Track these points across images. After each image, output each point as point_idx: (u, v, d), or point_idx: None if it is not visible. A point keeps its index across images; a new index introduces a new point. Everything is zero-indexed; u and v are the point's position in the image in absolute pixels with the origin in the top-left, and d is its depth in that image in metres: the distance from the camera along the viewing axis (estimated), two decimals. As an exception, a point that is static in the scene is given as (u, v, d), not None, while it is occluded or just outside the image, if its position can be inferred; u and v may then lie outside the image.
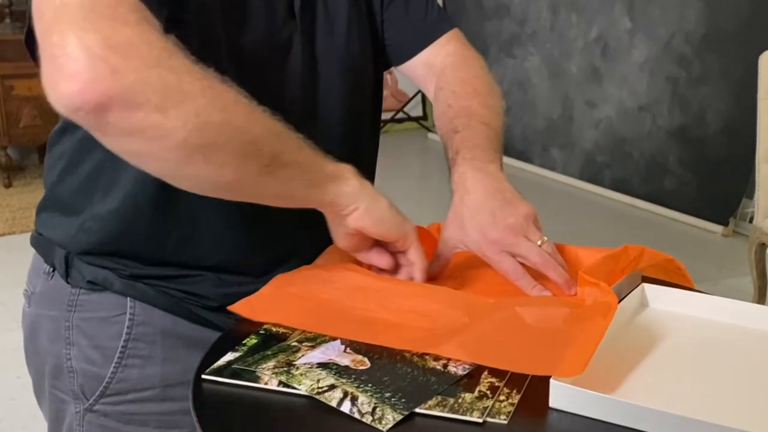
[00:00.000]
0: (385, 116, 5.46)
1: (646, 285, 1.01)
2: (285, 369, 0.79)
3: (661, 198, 4.07)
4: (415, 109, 5.59)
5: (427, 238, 1.13)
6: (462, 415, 0.73)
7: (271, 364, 0.80)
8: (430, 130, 5.51)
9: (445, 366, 0.80)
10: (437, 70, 1.12)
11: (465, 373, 0.79)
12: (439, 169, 5.13)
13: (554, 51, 4.60)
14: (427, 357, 0.82)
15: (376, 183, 1.00)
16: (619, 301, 0.97)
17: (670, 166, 4.04)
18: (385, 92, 5.51)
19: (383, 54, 1.11)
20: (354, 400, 0.74)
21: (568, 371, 0.79)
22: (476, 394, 0.77)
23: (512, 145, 4.91)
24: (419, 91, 5.55)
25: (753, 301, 2.38)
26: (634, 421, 0.76)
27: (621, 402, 0.77)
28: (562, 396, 0.79)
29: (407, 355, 0.82)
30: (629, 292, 0.99)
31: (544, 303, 0.93)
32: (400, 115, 5.47)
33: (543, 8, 4.63)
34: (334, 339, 0.85)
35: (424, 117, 5.63)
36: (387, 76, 5.53)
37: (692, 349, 0.92)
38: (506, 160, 5.16)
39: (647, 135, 4.14)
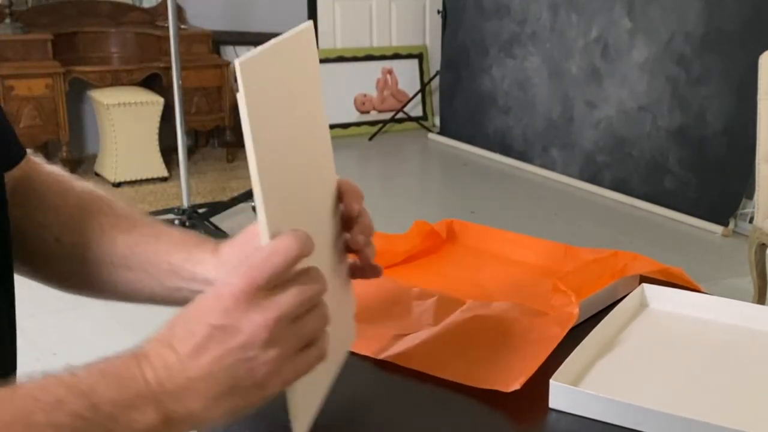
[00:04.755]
0: (385, 116, 5.46)
1: (646, 285, 1.01)
2: None
3: (661, 198, 4.07)
4: (415, 109, 5.58)
5: (433, 235, 1.13)
6: None
7: None
8: (430, 130, 5.50)
9: None
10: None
11: None
12: (439, 169, 5.12)
13: (554, 51, 4.60)
14: None
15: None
16: (617, 303, 0.97)
17: (670, 166, 4.04)
18: (385, 92, 5.51)
19: None
20: None
21: (506, 385, 0.80)
22: None
23: (512, 145, 4.91)
24: (419, 91, 5.54)
25: (753, 301, 2.38)
26: (634, 422, 0.76)
27: (621, 402, 0.77)
28: (562, 396, 0.79)
29: None
30: (626, 294, 0.99)
31: (508, 312, 0.93)
32: (400, 115, 5.47)
33: (543, 8, 4.63)
34: None
35: (424, 117, 5.63)
36: (387, 75, 5.54)
37: (692, 349, 0.92)
38: (506, 160, 5.17)
39: (647, 135, 4.14)
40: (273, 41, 0.69)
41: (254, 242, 0.72)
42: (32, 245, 0.83)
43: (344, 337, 0.78)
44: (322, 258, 0.70)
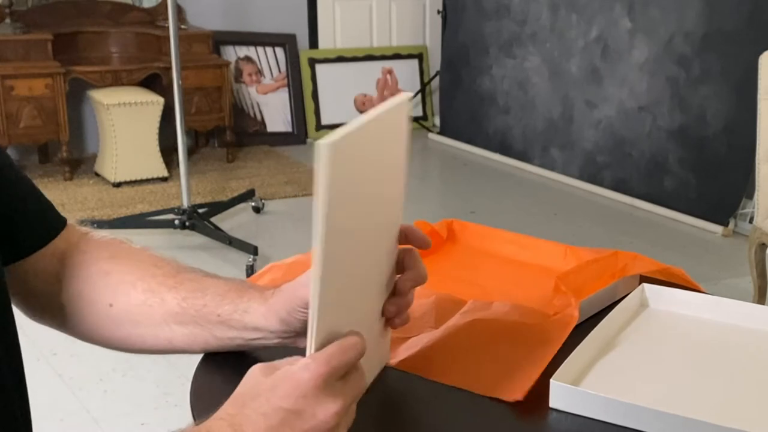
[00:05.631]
0: (385, 116, 5.45)
1: (646, 285, 1.01)
2: None
3: (661, 198, 4.07)
4: (415, 109, 5.58)
5: (433, 235, 1.13)
6: None
7: None
8: (430, 130, 5.50)
9: None
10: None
11: None
12: (439, 169, 5.12)
13: (554, 51, 4.60)
14: None
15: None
16: (617, 303, 0.97)
17: (670, 166, 4.04)
18: (385, 92, 5.51)
19: None
20: None
21: (509, 394, 0.80)
22: None
23: (512, 145, 4.91)
24: (419, 91, 5.55)
25: (753, 301, 2.38)
26: (634, 421, 0.76)
27: (621, 402, 0.77)
28: (562, 396, 0.79)
29: None
30: (626, 294, 0.99)
31: (509, 314, 0.93)
32: (400, 115, 5.47)
33: (543, 8, 4.63)
34: None
35: (424, 117, 5.63)
36: (387, 75, 5.54)
37: (692, 349, 0.92)
38: (506, 160, 5.16)
39: (647, 135, 4.14)
40: (364, 118, 0.62)
41: (302, 294, 0.76)
42: (87, 312, 0.87)
43: (378, 363, 0.83)
44: (370, 321, 0.76)
